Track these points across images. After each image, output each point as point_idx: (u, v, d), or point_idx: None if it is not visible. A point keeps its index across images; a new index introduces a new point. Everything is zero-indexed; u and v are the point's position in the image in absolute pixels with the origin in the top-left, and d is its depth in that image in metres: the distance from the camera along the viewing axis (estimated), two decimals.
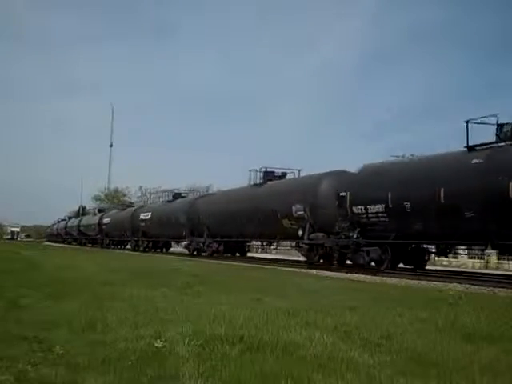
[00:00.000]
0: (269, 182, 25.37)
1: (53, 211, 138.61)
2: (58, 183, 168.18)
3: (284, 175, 25.87)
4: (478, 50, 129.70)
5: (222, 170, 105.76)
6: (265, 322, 6.14)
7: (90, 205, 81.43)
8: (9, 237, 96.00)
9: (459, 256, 28.87)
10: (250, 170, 26.29)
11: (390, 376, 4.01)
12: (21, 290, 9.27)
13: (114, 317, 6.41)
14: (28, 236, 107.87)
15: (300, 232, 20.89)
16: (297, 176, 25.28)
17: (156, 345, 4.88)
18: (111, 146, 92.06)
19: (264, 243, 28.55)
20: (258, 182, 26.12)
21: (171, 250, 41.60)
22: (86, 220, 61.41)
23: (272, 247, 28.86)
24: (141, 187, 78.25)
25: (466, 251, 21.87)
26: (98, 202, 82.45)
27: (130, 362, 4.30)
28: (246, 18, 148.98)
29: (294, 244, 23.90)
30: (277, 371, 4.06)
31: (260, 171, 25.96)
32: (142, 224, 39.65)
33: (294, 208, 21.16)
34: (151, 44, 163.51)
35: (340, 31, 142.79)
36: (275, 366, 4.22)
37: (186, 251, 37.45)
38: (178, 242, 40.98)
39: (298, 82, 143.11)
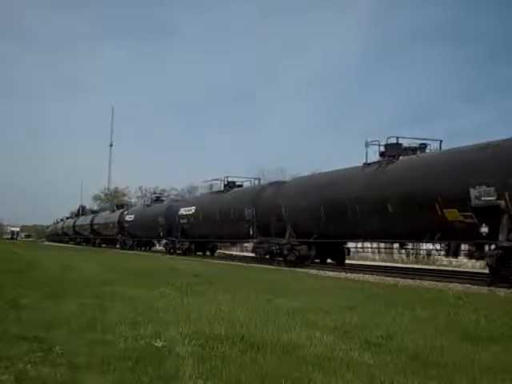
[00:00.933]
0: (402, 158, 17.53)
1: (53, 211, 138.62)
2: (57, 183, 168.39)
3: (423, 147, 17.96)
4: (478, 50, 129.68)
5: (221, 170, 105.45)
6: (265, 322, 6.14)
7: (90, 205, 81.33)
8: (9, 236, 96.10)
9: (459, 256, 28.63)
10: (367, 143, 18.43)
11: (390, 376, 4.01)
12: (21, 289, 9.27)
13: (114, 317, 6.41)
14: (28, 236, 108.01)
15: (484, 229, 13.75)
16: (437, 149, 17.53)
17: (156, 345, 4.88)
18: (111, 145, 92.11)
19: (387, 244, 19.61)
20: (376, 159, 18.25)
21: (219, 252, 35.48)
22: (101, 218, 53.03)
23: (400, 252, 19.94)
24: (141, 187, 78.21)
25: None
26: (98, 202, 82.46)
27: (129, 362, 4.30)
28: (246, 17, 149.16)
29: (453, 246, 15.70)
30: (277, 371, 4.06)
31: (381, 144, 18.23)
32: (183, 221, 31.86)
33: (473, 192, 13.87)
34: (151, 44, 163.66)
35: (340, 31, 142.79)
36: (275, 366, 4.22)
37: (238, 253, 33.44)
38: (236, 244, 34.10)
39: (298, 82, 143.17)
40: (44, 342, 4.99)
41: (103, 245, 51.41)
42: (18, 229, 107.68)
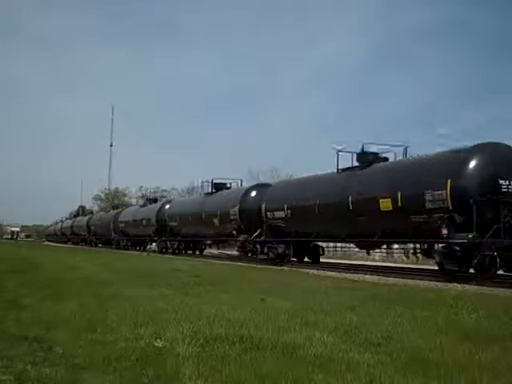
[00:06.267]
0: None
1: (53, 211, 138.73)
2: (57, 183, 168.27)
3: None
4: (479, 49, 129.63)
5: (221, 170, 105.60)
6: (265, 322, 6.14)
7: (90, 205, 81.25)
8: (9, 237, 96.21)
9: None
10: None
11: (390, 376, 4.01)
12: (21, 289, 9.27)
13: (114, 317, 6.41)
14: (28, 236, 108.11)
15: None
16: None
17: (156, 345, 4.89)
18: (111, 145, 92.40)
19: None
20: None
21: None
22: (129, 213, 42.81)
23: None
24: (141, 187, 78.22)
25: None
26: (98, 202, 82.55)
27: (130, 362, 4.31)
28: (247, 16, 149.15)
29: None
30: (277, 371, 4.06)
31: None
32: (276, 215, 21.47)
33: None
34: (151, 43, 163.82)
35: (340, 30, 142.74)
36: (275, 366, 4.22)
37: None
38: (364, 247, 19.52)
39: (299, 82, 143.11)
40: (44, 342, 4.99)
41: (129, 247, 41.90)
42: (18, 229, 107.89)
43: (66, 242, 64.49)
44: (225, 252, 32.00)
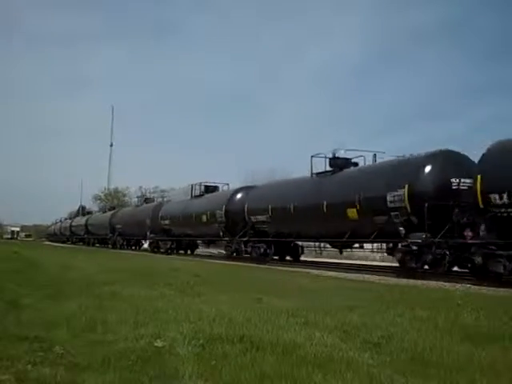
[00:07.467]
0: None
1: (53, 211, 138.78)
2: (57, 183, 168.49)
3: None
4: (478, 50, 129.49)
5: (221, 169, 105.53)
6: (265, 322, 6.14)
7: (89, 205, 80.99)
8: (9, 236, 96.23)
9: None
10: None
11: (390, 376, 4.01)
12: (21, 289, 9.27)
13: (114, 317, 6.41)
14: (28, 236, 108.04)
15: None
16: None
17: (156, 345, 4.88)
18: (111, 145, 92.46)
19: None
20: None
21: None
22: (179, 207, 31.65)
23: None
24: (141, 187, 78.08)
25: None
26: (98, 202, 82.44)
27: (129, 362, 4.30)
28: (246, 17, 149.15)
29: None
30: (277, 371, 4.06)
31: None
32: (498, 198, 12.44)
33: None
34: (151, 43, 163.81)
35: (340, 30, 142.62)
36: (275, 366, 4.22)
37: None
38: None
39: (298, 82, 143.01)
40: (44, 342, 4.99)
41: (184, 251, 32.14)
42: (18, 229, 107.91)
43: (74, 243, 56.91)
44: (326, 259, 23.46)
